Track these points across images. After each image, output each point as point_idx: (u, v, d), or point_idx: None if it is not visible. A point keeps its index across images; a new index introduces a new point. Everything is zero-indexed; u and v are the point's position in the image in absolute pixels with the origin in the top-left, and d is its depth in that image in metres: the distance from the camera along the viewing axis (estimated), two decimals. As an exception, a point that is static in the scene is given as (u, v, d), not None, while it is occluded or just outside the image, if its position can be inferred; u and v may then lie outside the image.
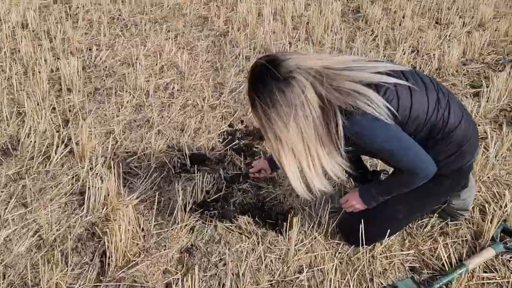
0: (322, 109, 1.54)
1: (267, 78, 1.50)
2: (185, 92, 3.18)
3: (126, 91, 3.15)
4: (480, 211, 2.15)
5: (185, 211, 2.16)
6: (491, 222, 1.97)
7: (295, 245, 1.99)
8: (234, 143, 2.66)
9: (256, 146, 2.66)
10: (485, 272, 1.86)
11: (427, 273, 1.88)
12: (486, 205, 2.19)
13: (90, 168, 2.45)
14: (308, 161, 1.60)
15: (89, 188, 2.24)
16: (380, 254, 1.95)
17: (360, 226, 1.90)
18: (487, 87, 3.19)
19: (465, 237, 2.02)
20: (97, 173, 2.40)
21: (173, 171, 2.49)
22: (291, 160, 1.59)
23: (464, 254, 1.94)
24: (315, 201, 2.26)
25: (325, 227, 2.08)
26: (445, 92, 1.67)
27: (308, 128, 1.54)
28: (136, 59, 3.50)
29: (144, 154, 2.61)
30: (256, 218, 2.19)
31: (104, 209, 2.20)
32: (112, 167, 2.45)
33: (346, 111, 1.52)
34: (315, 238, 2.05)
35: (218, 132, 2.80)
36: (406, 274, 1.88)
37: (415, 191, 1.73)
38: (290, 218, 2.17)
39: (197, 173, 2.43)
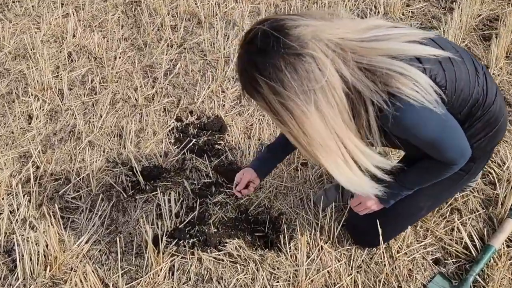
0: (347, 96, 1.14)
1: (273, 53, 1.06)
2: (109, 84, 2.57)
3: (32, 95, 2.46)
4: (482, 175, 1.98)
5: (157, 248, 1.71)
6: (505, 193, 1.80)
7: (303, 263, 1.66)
8: (191, 143, 2.18)
9: (218, 141, 2.21)
10: (509, 246, 1.70)
11: (453, 262, 1.68)
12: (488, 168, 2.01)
13: (11, 214, 1.85)
14: (344, 158, 1.21)
15: (17, 244, 1.68)
16: (398, 252, 1.70)
17: (374, 225, 1.61)
18: (440, 28, 3.00)
19: (477, 210, 1.83)
20: (23, 220, 1.82)
21: (125, 195, 1.98)
22: (329, 158, 1.20)
23: (483, 229, 1.76)
24: (307, 201, 1.92)
25: (328, 231, 1.76)
26: (476, 60, 1.36)
27: (335, 117, 1.14)
28: (32, 48, 2.75)
29: (80, 179, 2.04)
30: (246, 236, 1.80)
31: (47, 270, 1.66)
32: (43, 205, 1.87)
33: (382, 101, 1.13)
34: (321, 248, 1.73)
35: (165, 131, 2.29)
36: (432, 270, 1.66)
37: (442, 181, 1.46)
38: (283, 226, 1.83)
39: (157, 191, 1.95)
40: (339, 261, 1.69)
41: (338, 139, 1.17)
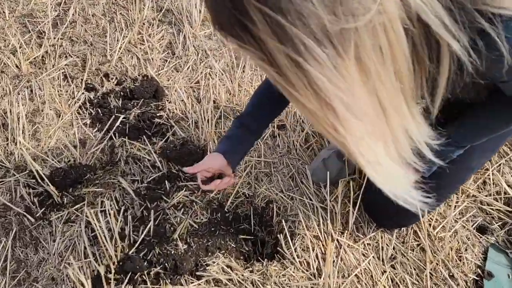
0: (407, 34, 0.64)
1: None
2: (-30, 49, 1.72)
3: None
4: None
5: (103, 297, 1.10)
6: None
7: (316, 270, 1.18)
8: (118, 120, 1.50)
9: (156, 113, 1.56)
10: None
11: (499, 227, 1.31)
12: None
13: None
14: (389, 138, 0.73)
15: None
16: (434, 229, 1.29)
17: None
18: None
19: (506, 154, 1.47)
20: None
21: (31, 218, 1.29)
22: (365, 140, 0.70)
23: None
24: (301, 178, 1.41)
25: (341, 216, 1.29)
26: None
27: (385, 72, 0.65)
28: None
29: (-51, 206, 1.30)
30: (229, 243, 1.26)
31: None
32: None
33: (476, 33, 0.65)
34: (338, 243, 1.25)
35: (74, 108, 1.57)
36: (480, 243, 1.28)
37: (502, 134, 1.03)
38: (276, 219, 1.32)
39: (81, 202, 1.30)
40: (365, 257, 1.24)
41: (387, 106, 0.67)
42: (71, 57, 1.73)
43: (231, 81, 1.67)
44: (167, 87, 1.64)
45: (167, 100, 1.60)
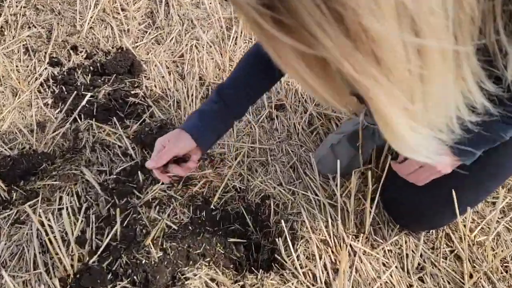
0: None
1: None
2: None
3: None
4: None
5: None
6: None
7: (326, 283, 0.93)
8: (84, 99, 1.25)
9: (131, 91, 1.30)
10: None
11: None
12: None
13: None
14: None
15: None
16: (471, 231, 1.04)
17: (435, 197, 0.93)
18: None
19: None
20: None
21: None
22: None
23: None
24: (304, 168, 1.16)
25: (354, 216, 1.04)
26: None
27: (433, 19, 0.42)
28: None
29: None
30: (216, 249, 1.02)
31: None
32: None
33: None
34: (351, 250, 1.00)
35: (34, 86, 1.32)
36: (528, 248, 1.03)
37: None
38: (273, 218, 1.07)
39: (34, 199, 1.05)
40: (386, 267, 0.99)
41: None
42: (35, 27, 1.48)
43: (221, 55, 1.42)
44: (146, 61, 1.39)
45: (145, 77, 1.35)
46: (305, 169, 1.15)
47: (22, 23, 1.49)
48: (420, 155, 0.56)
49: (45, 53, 1.40)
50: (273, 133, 1.24)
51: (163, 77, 1.34)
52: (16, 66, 1.36)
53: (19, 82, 1.31)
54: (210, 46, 1.43)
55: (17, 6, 1.53)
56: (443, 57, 0.46)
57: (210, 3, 1.58)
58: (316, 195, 1.09)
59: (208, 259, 1.01)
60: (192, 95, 1.25)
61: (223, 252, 1.06)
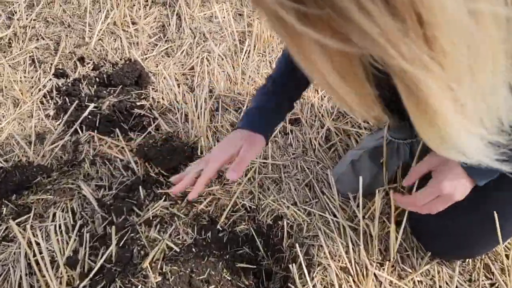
0: None
1: None
2: None
3: None
4: None
5: None
6: None
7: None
8: (87, 110, 1.18)
9: (137, 102, 1.23)
10: None
11: None
12: None
13: None
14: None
15: None
16: (508, 257, 0.90)
17: (474, 221, 0.81)
18: None
19: None
20: None
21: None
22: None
23: None
24: (321, 186, 1.05)
25: (378, 241, 0.92)
26: None
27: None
28: None
29: None
30: (223, 275, 0.91)
31: None
32: None
33: None
34: (375, 280, 0.88)
35: (37, 97, 1.26)
36: None
37: None
38: (287, 242, 0.96)
39: (26, 214, 0.96)
40: (416, 300, 0.86)
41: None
42: (43, 39, 1.43)
43: (233, 68, 1.34)
44: (154, 73, 1.32)
45: (153, 89, 1.28)
46: (322, 187, 1.04)
47: (31, 35, 1.45)
48: (468, 157, 0.46)
49: (51, 64, 1.34)
50: (287, 149, 1.14)
51: (171, 89, 1.27)
52: (20, 78, 1.31)
53: (21, 93, 1.26)
54: (222, 59, 1.36)
55: (27, 19, 1.50)
56: (496, 24, 0.37)
57: (224, 17, 1.52)
58: (335, 216, 0.98)
59: (212, 286, 0.89)
60: (201, 107, 1.17)
61: (229, 278, 0.94)
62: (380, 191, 0.93)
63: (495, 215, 0.78)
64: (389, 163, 0.99)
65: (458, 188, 0.73)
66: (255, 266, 0.99)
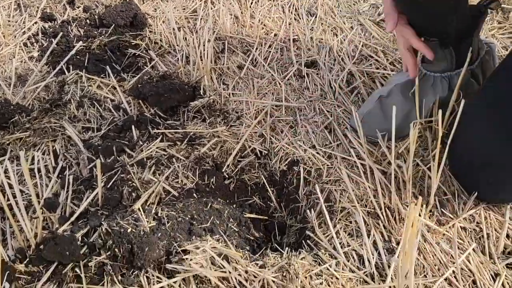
0: None
1: None
2: None
3: None
4: None
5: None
6: None
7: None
8: (74, 49, 1.04)
9: (132, 42, 1.09)
10: None
11: None
12: None
13: None
14: None
15: None
16: None
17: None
18: None
19: None
20: None
21: None
22: None
23: None
24: (343, 129, 0.91)
25: (409, 183, 0.78)
26: None
27: None
28: None
29: None
30: (230, 225, 0.77)
31: None
32: None
33: None
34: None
35: (20, 39, 1.13)
36: None
37: None
38: (304, 190, 0.82)
39: (1, 157, 0.83)
40: (461, 249, 0.71)
41: None
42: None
43: (242, 12, 1.20)
44: (152, 16, 1.19)
45: (150, 31, 1.14)
46: (345, 130, 0.90)
47: (18, -19, 1.31)
48: None
49: (38, 7, 1.21)
50: (303, 92, 1.00)
51: (171, 32, 1.13)
52: (4, 21, 1.17)
53: (3, 36, 1.12)
54: (229, 3, 1.23)
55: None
56: None
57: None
58: (361, 159, 0.84)
59: (217, 236, 0.75)
60: (204, 49, 1.03)
61: (237, 230, 0.80)
62: (415, 124, 0.79)
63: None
64: (424, 100, 0.85)
65: None
66: (266, 218, 0.85)
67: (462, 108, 0.73)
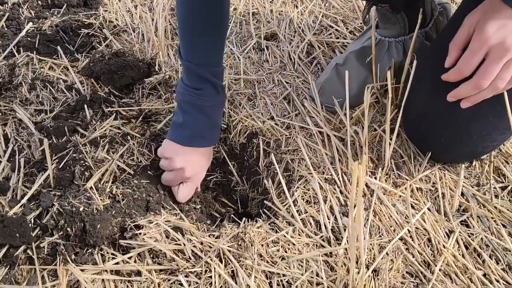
0: None
1: None
2: None
3: None
4: None
5: None
6: None
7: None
8: (23, 31, 1.01)
9: (86, 22, 1.06)
10: None
11: None
12: None
13: None
14: None
15: None
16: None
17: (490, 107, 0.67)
18: None
19: None
20: None
21: None
22: None
23: None
24: (302, 97, 0.90)
25: (365, 147, 0.78)
26: None
27: None
28: None
29: None
30: (187, 202, 0.76)
31: None
32: None
33: None
34: (367, 189, 0.74)
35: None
36: None
37: None
38: (264, 160, 0.82)
39: None
40: (416, 209, 0.72)
41: None
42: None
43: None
44: (107, -5, 1.15)
45: (105, 10, 1.11)
46: (303, 100, 0.89)
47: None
48: None
49: (-13, -9, 1.16)
50: (262, 65, 0.99)
51: (128, 11, 1.10)
52: (-49, 6, 1.13)
53: (-49, 21, 1.08)
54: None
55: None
56: None
57: None
58: (318, 126, 0.83)
59: (175, 212, 0.74)
60: (162, 27, 1.00)
61: (198, 207, 0.79)
62: (369, 88, 0.78)
63: (505, 98, 0.64)
64: (379, 64, 0.85)
65: (510, 29, 0.57)
66: (228, 193, 0.84)
67: (413, 71, 0.73)
